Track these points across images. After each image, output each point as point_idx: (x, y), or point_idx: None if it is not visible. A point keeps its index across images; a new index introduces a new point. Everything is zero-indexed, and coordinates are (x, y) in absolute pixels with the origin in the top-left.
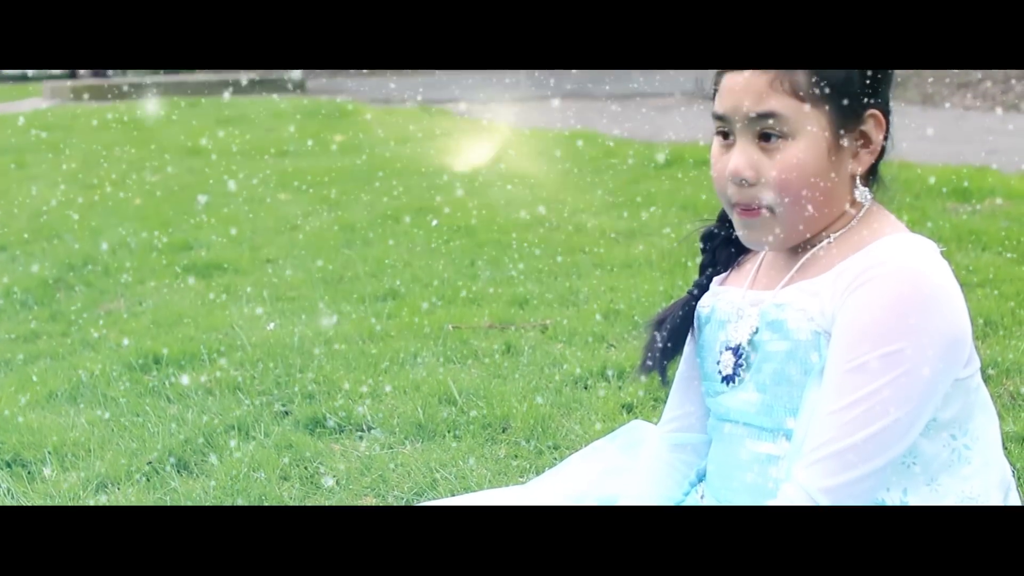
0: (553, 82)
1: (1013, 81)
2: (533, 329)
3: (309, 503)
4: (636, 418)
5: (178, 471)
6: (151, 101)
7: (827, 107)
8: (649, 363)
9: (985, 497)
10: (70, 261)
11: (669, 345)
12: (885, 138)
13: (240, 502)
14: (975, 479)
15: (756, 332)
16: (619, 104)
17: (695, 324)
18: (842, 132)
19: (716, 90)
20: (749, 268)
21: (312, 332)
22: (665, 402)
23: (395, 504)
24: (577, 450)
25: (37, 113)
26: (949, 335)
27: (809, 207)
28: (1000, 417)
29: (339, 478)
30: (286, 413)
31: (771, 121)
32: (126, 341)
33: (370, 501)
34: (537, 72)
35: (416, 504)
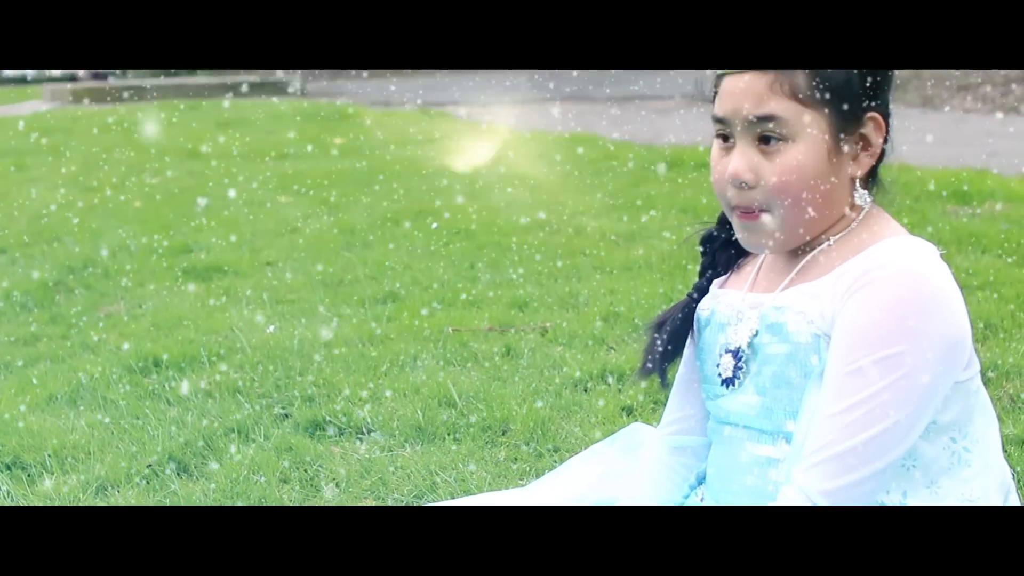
0: (553, 85)
1: (1013, 85)
2: (533, 332)
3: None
4: (636, 421)
5: (178, 474)
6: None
7: (827, 110)
8: (649, 366)
9: (985, 500)
10: (70, 264)
11: (669, 348)
12: (885, 141)
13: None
14: (975, 482)
15: (756, 335)
16: (619, 107)
17: (695, 327)
18: (842, 135)
19: (716, 93)
20: (749, 271)
21: (312, 335)
22: (665, 405)
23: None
24: (577, 453)
25: (37, 116)
26: (949, 338)
27: (809, 210)
28: (1000, 420)
29: (339, 481)
30: (286, 416)
31: (771, 124)
32: (126, 344)
33: (370, 504)
34: (537, 75)
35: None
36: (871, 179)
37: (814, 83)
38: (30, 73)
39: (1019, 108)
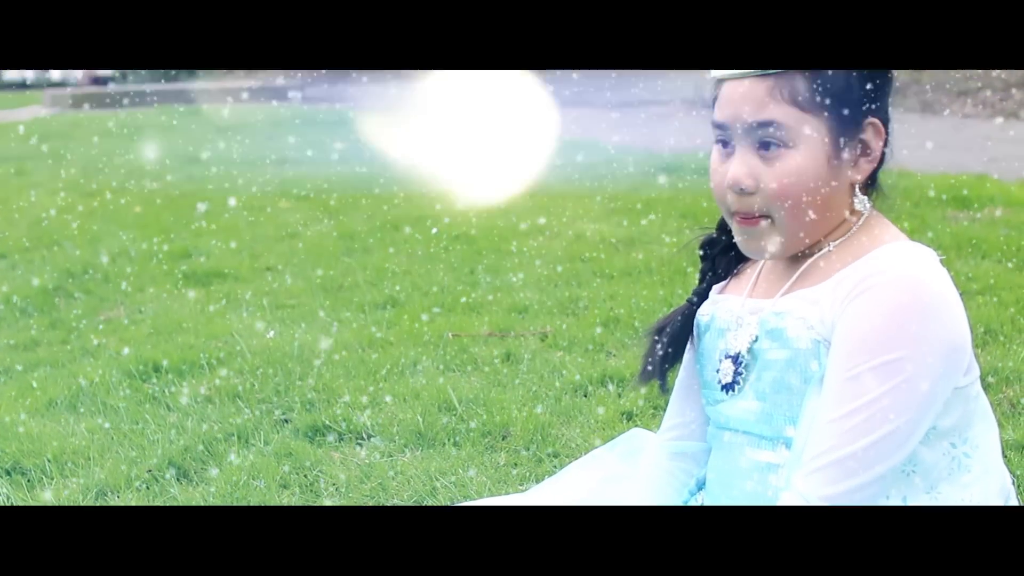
0: (553, 89)
1: (1013, 90)
2: (533, 337)
3: None
4: (636, 426)
5: (178, 479)
6: (151, 121)
7: (826, 115)
8: (648, 371)
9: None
10: (70, 269)
11: (668, 353)
12: (884, 146)
13: None
14: (975, 487)
15: (756, 340)
16: (619, 111)
17: (694, 332)
18: (842, 140)
19: (715, 98)
20: (748, 276)
21: (312, 340)
22: (665, 410)
23: None
24: (577, 458)
25: (37, 121)
26: (949, 343)
27: (808, 215)
28: (1000, 425)
29: (339, 486)
30: (286, 421)
31: (771, 129)
32: (126, 349)
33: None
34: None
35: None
36: (871, 184)
37: (814, 88)
38: (30, 78)
39: (1018, 113)
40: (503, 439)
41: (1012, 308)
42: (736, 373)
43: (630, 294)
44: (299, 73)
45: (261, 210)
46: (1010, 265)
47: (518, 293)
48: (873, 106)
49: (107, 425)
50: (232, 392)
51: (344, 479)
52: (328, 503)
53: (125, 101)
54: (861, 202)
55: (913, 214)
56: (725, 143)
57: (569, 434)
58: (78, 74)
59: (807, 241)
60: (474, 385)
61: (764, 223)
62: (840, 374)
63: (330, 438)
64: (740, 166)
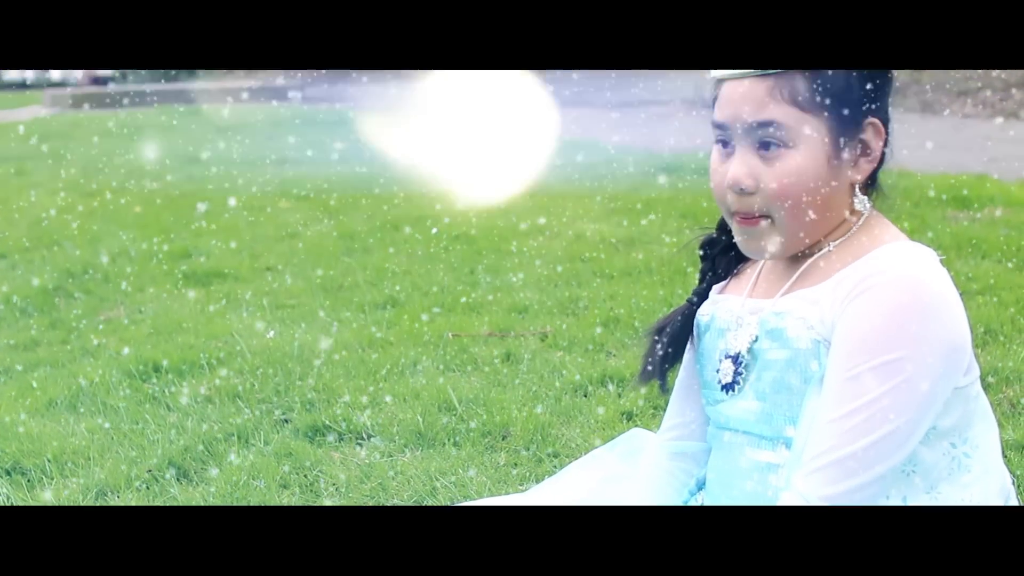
0: (553, 89)
1: (1013, 90)
2: (533, 337)
3: None
4: (636, 426)
5: (178, 479)
6: (151, 121)
7: (826, 115)
8: (649, 371)
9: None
10: (70, 269)
11: (668, 353)
12: (884, 146)
13: None
14: (975, 487)
15: (755, 340)
16: (619, 111)
17: (694, 332)
18: (841, 140)
19: (715, 99)
20: (748, 276)
21: (312, 340)
22: (665, 410)
23: None
24: (577, 458)
25: (37, 121)
26: (949, 343)
27: (808, 215)
28: (1000, 425)
29: (339, 486)
30: (286, 421)
31: (771, 129)
32: (126, 349)
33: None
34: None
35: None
36: (871, 184)
37: (814, 88)
38: (30, 78)
39: (1018, 113)
40: (503, 439)
41: (1012, 308)
42: (736, 373)
43: (630, 294)
44: (299, 73)
45: (261, 210)
46: (1010, 265)
47: (518, 293)
48: (873, 106)
49: (107, 425)
50: (232, 392)
51: (344, 479)
52: (328, 503)
53: (125, 101)
54: (861, 202)
55: (913, 214)
56: (725, 143)
57: (569, 434)
58: (78, 74)
59: (807, 241)
60: (474, 385)
61: (764, 223)
62: (840, 374)
63: (330, 438)
64: (740, 166)
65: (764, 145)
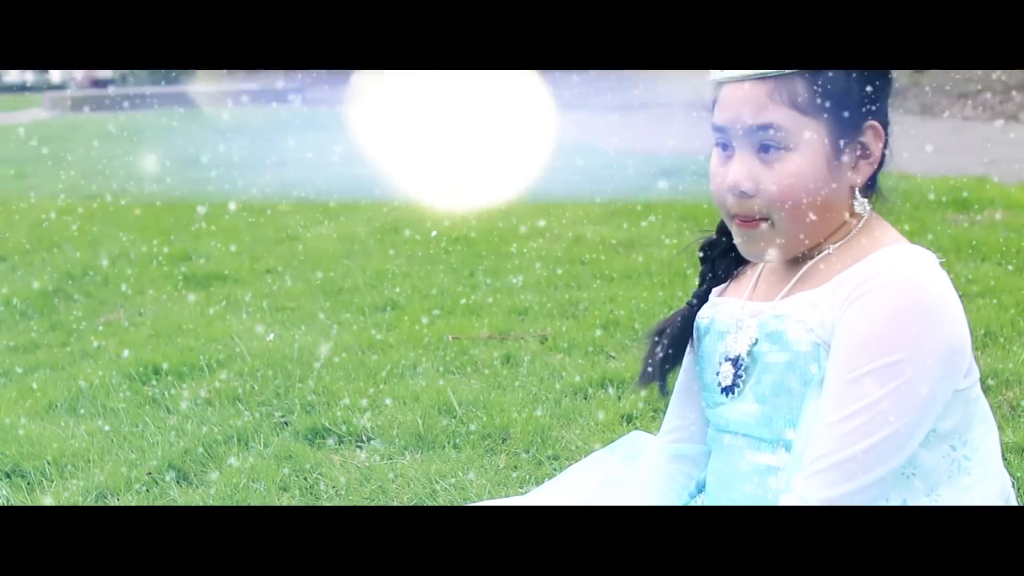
0: (553, 92)
1: (1014, 93)
2: (533, 339)
3: None
4: (636, 428)
5: (177, 482)
6: (151, 123)
7: (826, 118)
8: (648, 373)
9: None
10: (70, 271)
11: (668, 355)
12: (884, 149)
13: None
14: (975, 489)
15: (755, 343)
16: (619, 114)
17: (694, 335)
18: (841, 143)
19: (715, 101)
20: (748, 279)
21: (312, 342)
22: (664, 413)
23: None
24: (577, 461)
25: (37, 123)
26: (948, 346)
27: (808, 218)
28: (1000, 427)
29: (339, 489)
30: (286, 424)
31: (770, 132)
32: (126, 351)
33: None
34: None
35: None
36: (870, 187)
37: (813, 91)
38: (30, 80)
39: (1018, 115)
40: (503, 442)
41: (1012, 310)
42: (736, 376)
43: (630, 296)
44: (299, 75)
45: (261, 212)
46: (1010, 268)
47: (518, 295)
48: (872, 109)
49: (107, 428)
50: (232, 395)
51: (344, 482)
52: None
53: (125, 104)
54: (861, 205)
55: (913, 216)
56: (725, 146)
57: (569, 437)
58: (78, 76)
59: (807, 244)
60: (474, 388)
61: (764, 226)
62: (840, 377)
63: (330, 441)
64: (740, 169)
65: (764, 148)
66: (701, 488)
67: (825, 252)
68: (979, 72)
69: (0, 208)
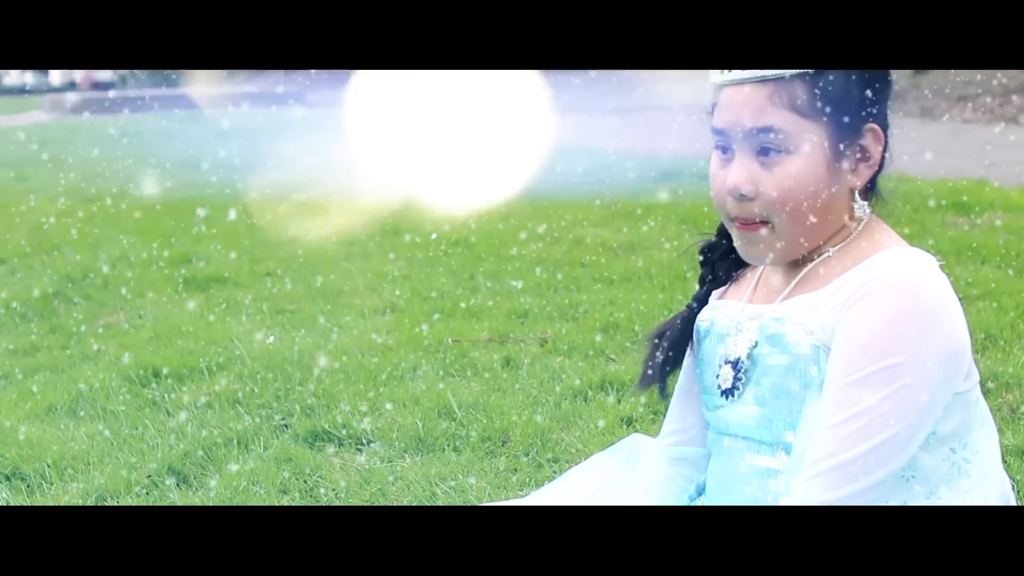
0: (553, 94)
1: (1013, 96)
2: (532, 342)
3: None
4: (636, 431)
5: (177, 485)
6: (151, 126)
7: (826, 121)
8: (648, 376)
9: None
10: (70, 274)
11: (668, 358)
12: (884, 152)
13: None
14: (974, 492)
15: (755, 346)
16: (619, 117)
17: (694, 337)
18: (841, 146)
19: (715, 104)
20: (748, 281)
21: (312, 345)
22: (664, 415)
23: None
24: (576, 463)
25: (37, 126)
26: (948, 348)
27: (808, 221)
28: (999, 430)
29: (339, 492)
30: (285, 426)
31: (770, 135)
32: (126, 354)
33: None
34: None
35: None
36: (870, 190)
37: (813, 94)
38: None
39: (1018, 118)
40: (503, 445)
41: (1012, 313)
42: (736, 378)
43: (630, 299)
44: (298, 77)
45: (261, 215)
46: (1010, 272)
47: (518, 298)
48: (872, 112)
49: (107, 432)
50: (232, 398)
51: (344, 485)
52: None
53: (125, 109)
54: (861, 208)
55: (913, 219)
56: (724, 149)
57: (569, 440)
58: (78, 78)
59: (807, 247)
60: (474, 391)
61: (764, 229)
62: (840, 380)
63: (330, 444)
64: (739, 172)
65: (763, 151)
66: (701, 491)
67: (825, 255)
68: (979, 75)
69: (0, 211)
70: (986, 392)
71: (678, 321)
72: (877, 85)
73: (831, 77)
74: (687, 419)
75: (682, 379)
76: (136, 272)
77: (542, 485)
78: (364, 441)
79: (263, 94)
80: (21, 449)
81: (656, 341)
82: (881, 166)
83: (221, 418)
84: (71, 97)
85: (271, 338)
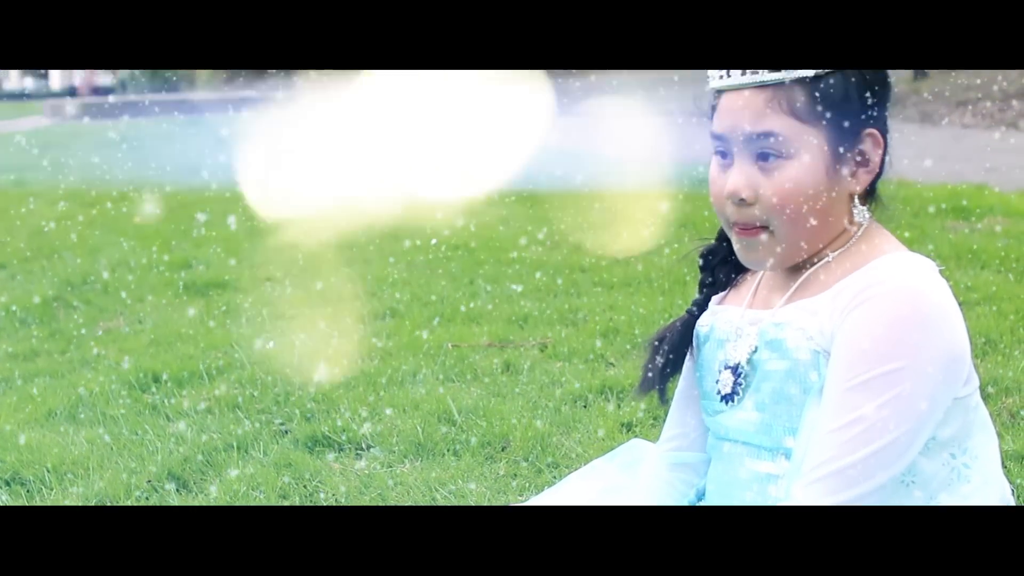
0: (553, 97)
1: (1014, 101)
2: (532, 347)
3: None
4: (635, 436)
5: (177, 489)
6: (151, 131)
7: (825, 126)
8: (648, 381)
9: None
10: (70, 278)
11: (668, 363)
12: (883, 157)
13: None
14: (974, 497)
15: (755, 351)
16: (620, 120)
17: (694, 342)
18: (840, 151)
19: (714, 109)
20: (748, 287)
21: (311, 350)
22: (664, 421)
23: None
24: (576, 468)
25: (38, 131)
26: (948, 353)
27: (807, 226)
28: (999, 435)
29: (338, 497)
30: (285, 431)
31: (770, 140)
32: (126, 359)
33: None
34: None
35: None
36: (870, 195)
37: (812, 99)
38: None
39: (1018, 123)
40: (502, 450)
41: (1012, 318)
42: (735, 384)
43: (630, 304)
44: (298, 80)
45: (261, 219)
46: (1010, 276)
47: (518, 302)
48: (872, 116)
49: (107, 437)
50: (232, 403)
51: (344, 490)
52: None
53: (125, 114)
54: (860, 212)
55: (912, 224)
56: (724, 154)
57: (568, 445)
58: (78, 81)
59: (806, 251)
60: (474, 396)
61: (763, 234)
62: (839, 385)
63: (330, 449)
64: (739, 177)
65: (763, 156)
66: (701, 496)
67: (825, 260)
68: (978, 80)
69: (0, 215)
70: (986, 397)
71: (678, 326)
72: (876, 90)
73: (830, 82)
74: (687, 424)
75: (682, 384)
76: (136, 276)
77: (542, 490)
78: (364, 446)
79: (263, 97)
80: (21, 454)
81: (656, 346)
82: (881, 171)
83: (221, 423)
84: (71, 102)
85: (271, 343)
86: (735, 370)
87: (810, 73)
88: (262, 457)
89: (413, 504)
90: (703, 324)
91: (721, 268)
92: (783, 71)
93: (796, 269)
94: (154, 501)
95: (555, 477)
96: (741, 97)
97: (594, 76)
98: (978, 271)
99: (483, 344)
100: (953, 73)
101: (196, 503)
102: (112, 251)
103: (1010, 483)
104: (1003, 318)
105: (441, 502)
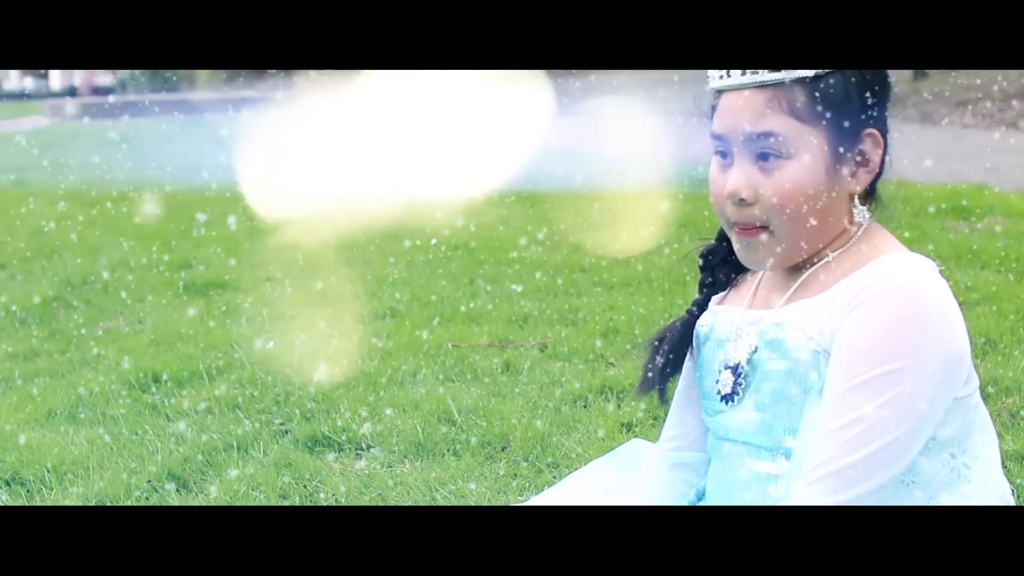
0: (553, 98)
1: (1014, 101)
2: (532, 347)
3: None
4: (635, 436)
5: (177, 489)
6: (151, 131)
7: (825, 126)
8: (648, 381)
9: None
10: (70, 278)
11: (668, 364)
12: (883, 157)
13: None
14: (974, 497)
15: (755, 351)
16: (620, 120)
17: (694, 342)
18: (840, 151)
19: (714, 109)
20: (748, 287)
21: (311, 350)
22: (664, 421)
23: None
24: (576, 468)
25: (37, 131)
26: (948, 353)
27: (807, 226)
28: (999, 435)
29: (338, 497)
30: (285, 431)
31: (769, 140)
32: (126, 359)
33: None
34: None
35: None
36: (870, 195)
37: (812, 99)
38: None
39: (1018, 123)
40: (502, 450)
41: (1012, 318)
42: (735, 384)
43: (630, 304)
44: (297, 80)
45: (261, 219)
46: (1010, 276)
47: (518, 302)
48: (872, 116)
49: (107, 437)
50: (232, 403)
51: (344, 490)
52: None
53: (125, 111)
54: (860, 212)
55: (913, 224)
56: (724, 154)
57: (568, 445)
58: (78, 81)
59: (806, 251)
60: (474, 396)
61: (763, 234)
62: (839, 385)
63: (330, 449)
64: (739, 177)
65: (763, 156)
66: (701, 496)
67: (825, 260)
68: (978, 80)
69: (0, 215)
70: (986, 397)
71: (678, 326)
72: (876, 90)
73: (830, 82)
74: (687, 424)
75: (682, 384)
76: (136, 276)
77: (542, 490)
78: (364, 446)
79: (262, 97)
80: (21, 454)
81: (656, 346)
82: (881, 171)
83: (221, 423)
84: (71, 102)
85: (271, 343)
86: (735, 370)
87: (810, 73)
88: (262, 457)
89: (413, 504)
90: (703, 324)
91: (721, 268)
92: (783, 71)
93: (796, 269)
94: (154, 501)
95: (555, 477)
96: (741, 97)
97: (594, 76)
98: (978, 271)
99: (483, 344)
100: (953, 73)
101: (196, 503)
102: (112, 251)
103: (1010, 483)
104: (1003, 318)
105: (441, 502)
